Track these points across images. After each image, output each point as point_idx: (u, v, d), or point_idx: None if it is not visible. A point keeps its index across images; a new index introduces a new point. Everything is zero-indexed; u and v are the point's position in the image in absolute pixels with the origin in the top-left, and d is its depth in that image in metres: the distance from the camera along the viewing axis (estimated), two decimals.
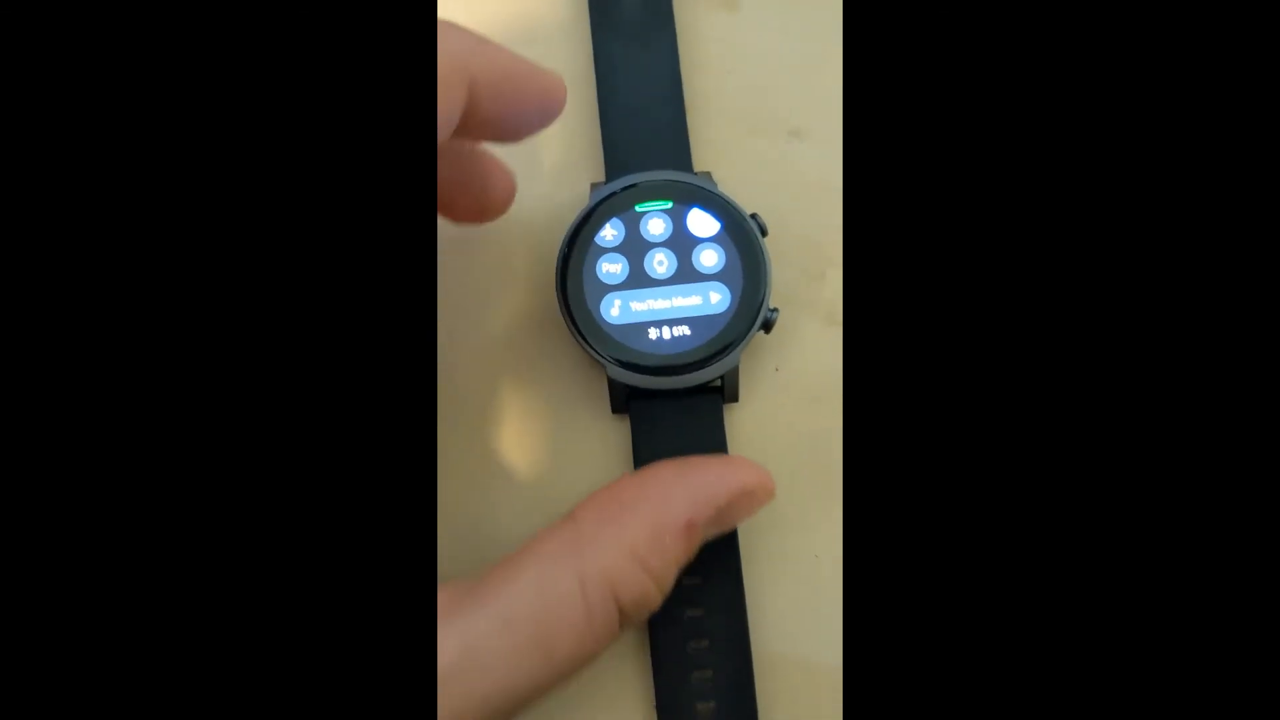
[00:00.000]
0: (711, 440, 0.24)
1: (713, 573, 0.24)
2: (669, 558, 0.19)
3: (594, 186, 0.25)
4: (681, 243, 0.24)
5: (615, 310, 0.23)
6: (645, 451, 0.24)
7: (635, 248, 0.24)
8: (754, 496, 0.21)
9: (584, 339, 0.23)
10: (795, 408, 0.26)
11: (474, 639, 0.17)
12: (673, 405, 0.24)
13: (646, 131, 0.25)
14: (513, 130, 0.21)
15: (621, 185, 0.24)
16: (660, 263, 0.24)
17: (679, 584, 0.24)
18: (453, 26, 0.18)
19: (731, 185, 0.26)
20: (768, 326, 0.24)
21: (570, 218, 0.24)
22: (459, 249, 0.26)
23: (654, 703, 0.23)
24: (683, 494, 0.20)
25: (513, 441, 0.25)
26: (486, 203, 0.24)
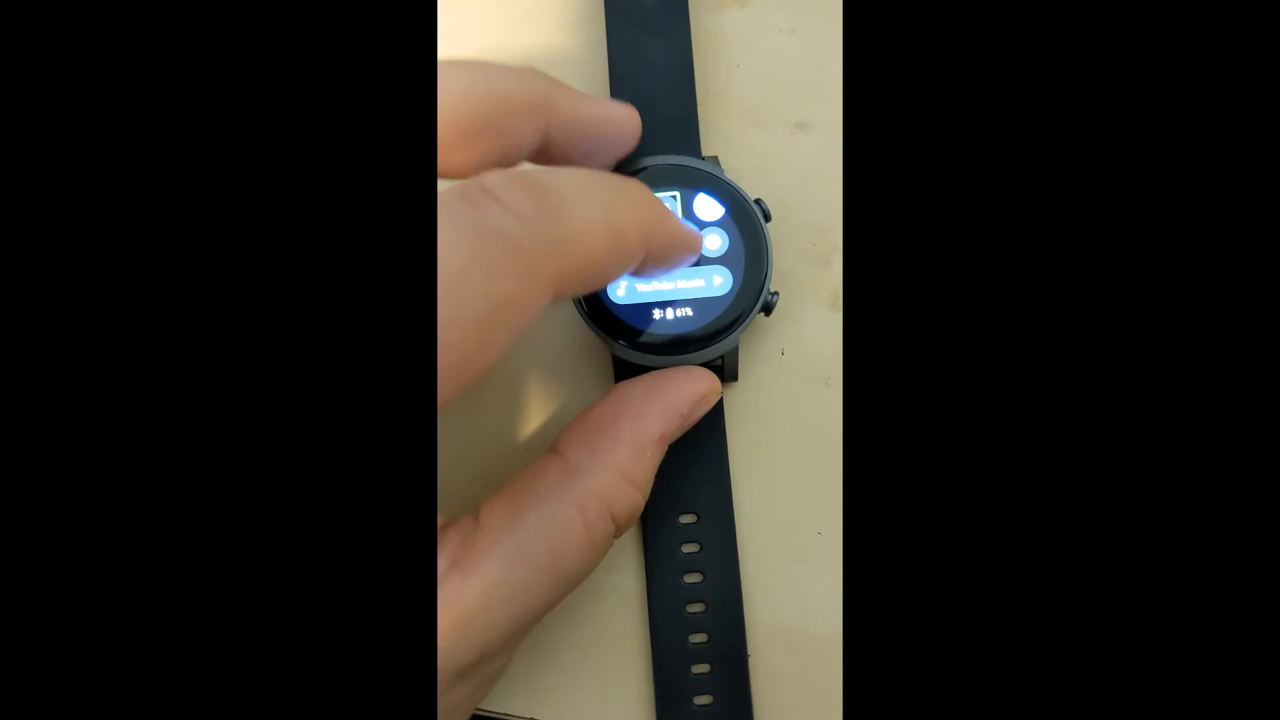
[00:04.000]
0: (711, 417, 0.25)
1: (710, 539, 0.25)
2: (649, 468, 0.22)
3: None
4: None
5: (621, 291, 0.24)
6: None
7: None
8: (707, 399, 0.23)
9: (590, 319, 0.24)
10: (799, 389, 0.27)
11: (495, 576, 0.19)
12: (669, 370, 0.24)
13: (657, 117, 0.26)
14: (585, 160, 0.23)
15: (631, 169, 0.25)
16: None
17: (678, 549, 0.25)
18: (533, 70, 0.21)
19: (738, 175, 0.26)
20: (768, 309, 0.25)
21: None
22: None
23: (650, 662, 0.25)
24: (654, 412, 0.22)
25: (522, 415, 0.27)
26: None
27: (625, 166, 0.25)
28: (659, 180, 0.25)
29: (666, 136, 0.26)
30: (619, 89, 0.26)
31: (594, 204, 0.18)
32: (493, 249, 0.16)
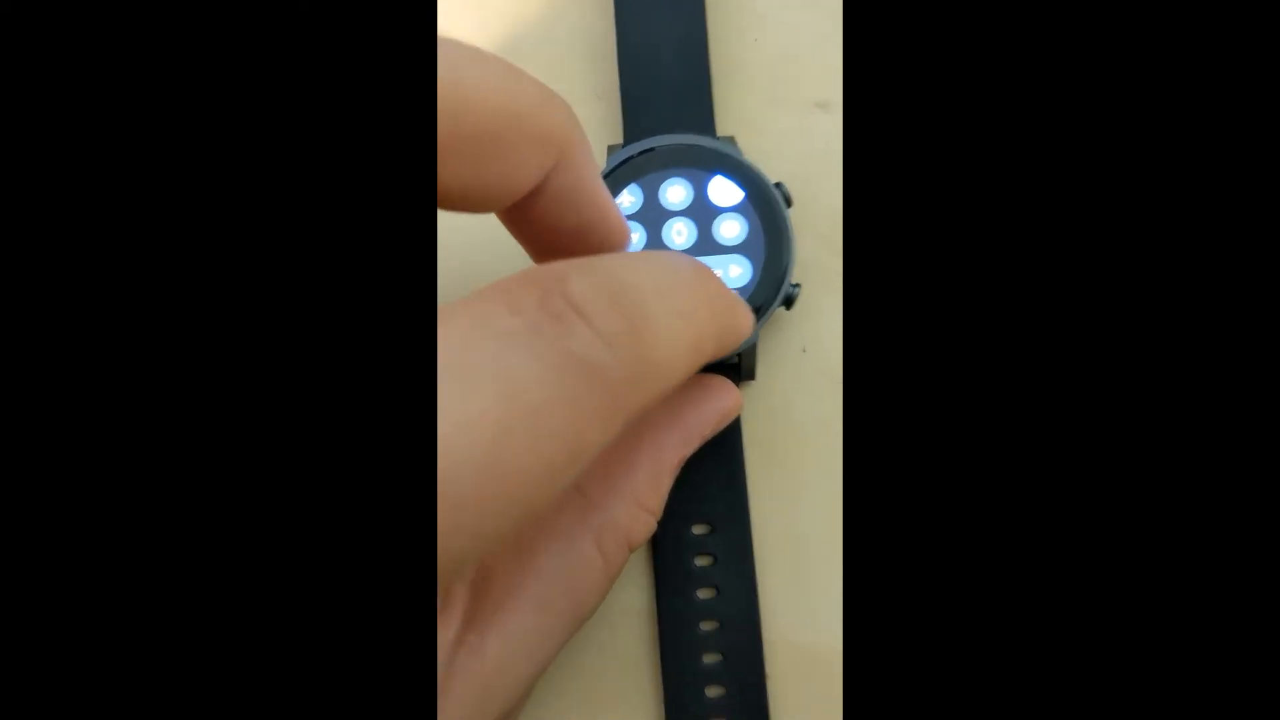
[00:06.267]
0: None
1: (725, 552, 0.24)
2: (665, 491, 0.21)
3: (611, 150, 0.24)
4: (702, 212, 0.23)
5: None
6: None
7: (653, 216, 0.23)
8: (728, 415, 0.22)
9: None
10: (822, 388, 0.25)
11: (514, 630, 0.18)
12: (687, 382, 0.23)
13: (668, 93, 0.24)
14: (561, 238, 0.19)
15: (639, 149, 0.23)
16: (679, 233, 0.23)
17: (690, 563, 0.24)
18: (558, 96, 0.17)
19: (755, 156, 0.25)
20: (789, 302, 0.23)
21: None
22: (464, 219, 0.26)
23: (662, 685, 0.23)
24: (677, 437, 0.21)
25: None
26: None
27: (631, 146, 0.23)
28: (671, 161, 0.23)
29: (678, 113, 0.24)
30: (628, 61, 0.25)
31: (679, 316, 0.15)
32: (580, 387, 0.13)
